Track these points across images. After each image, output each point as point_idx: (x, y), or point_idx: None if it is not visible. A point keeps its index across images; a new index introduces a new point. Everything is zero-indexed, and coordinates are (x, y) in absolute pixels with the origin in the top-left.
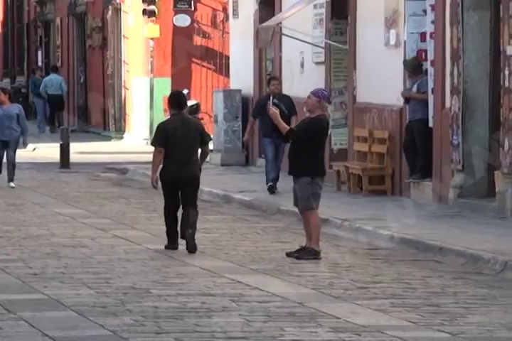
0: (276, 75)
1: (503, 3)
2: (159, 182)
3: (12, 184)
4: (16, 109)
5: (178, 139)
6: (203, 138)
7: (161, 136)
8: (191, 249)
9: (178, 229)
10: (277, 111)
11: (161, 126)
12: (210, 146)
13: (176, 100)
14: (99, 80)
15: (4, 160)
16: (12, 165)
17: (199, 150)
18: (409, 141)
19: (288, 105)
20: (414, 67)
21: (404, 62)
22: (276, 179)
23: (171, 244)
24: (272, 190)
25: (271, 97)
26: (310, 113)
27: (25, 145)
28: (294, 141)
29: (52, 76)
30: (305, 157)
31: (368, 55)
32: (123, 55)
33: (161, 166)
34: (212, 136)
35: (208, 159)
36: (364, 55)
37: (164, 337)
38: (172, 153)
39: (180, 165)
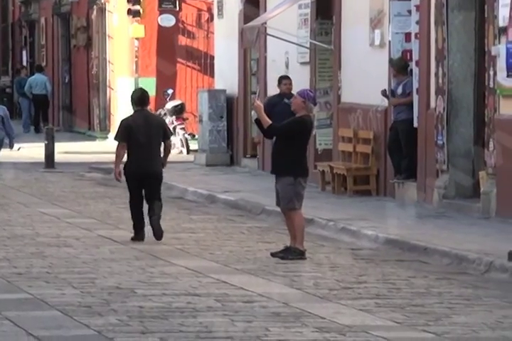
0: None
1: (488, 3)
2: (123, 176)
3: None
4: (0, 111)
5: (141, 135)
6: (165, 133)
7: (124, 132)
8: (157, 235)
9: (146, 221)
10: (261, 105)
11: (124, 122)
12: (195, 146)
13: (139, 97)
14: (84, 80)
15: None
16: None
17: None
18: (393, 141)
19: None
20: (399, 67)
21: (391, 60)
22: None
23: (138, 235)
24: None
25: (257, 91)
26: (295, 113)
27: (11, 147)
28: (276, 139)
29: (37, 76)
30: (288, 157)
31: (352, 55)
32: (108, 55)
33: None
34: (197, 136)
35: (192, 159)
36: (349, 55)
37: (149, 337)
38: (135, 149)
39: (143, 161)
